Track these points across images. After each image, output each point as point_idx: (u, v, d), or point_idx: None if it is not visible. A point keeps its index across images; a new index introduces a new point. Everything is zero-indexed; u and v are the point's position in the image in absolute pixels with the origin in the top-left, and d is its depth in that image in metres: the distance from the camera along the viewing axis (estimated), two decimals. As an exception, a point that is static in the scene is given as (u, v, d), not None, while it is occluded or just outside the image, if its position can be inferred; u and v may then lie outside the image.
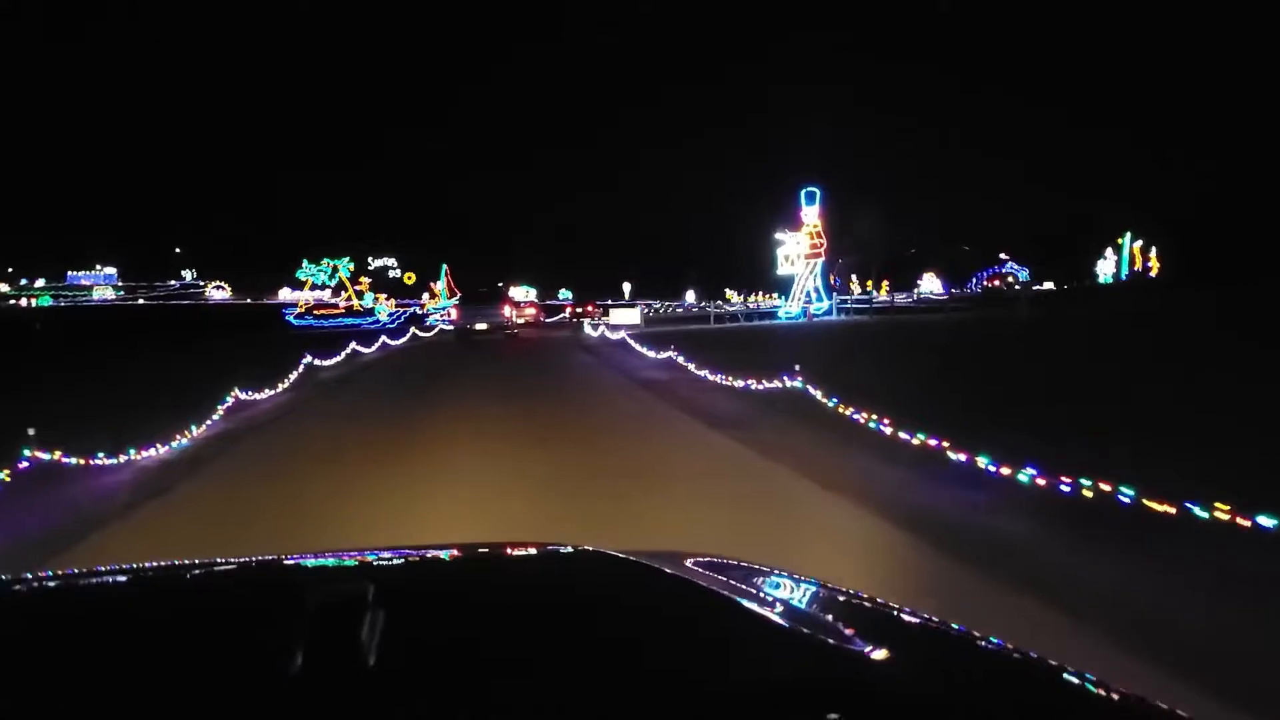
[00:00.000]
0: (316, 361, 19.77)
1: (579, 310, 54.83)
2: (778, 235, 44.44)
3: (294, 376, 16.86)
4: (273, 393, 14.75)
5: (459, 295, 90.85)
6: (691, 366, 14.99)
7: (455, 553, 1.89)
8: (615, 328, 35.98)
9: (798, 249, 43.50)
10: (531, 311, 56.73)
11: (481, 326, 36.34)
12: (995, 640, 1.36)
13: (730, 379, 12.78)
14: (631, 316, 39.06)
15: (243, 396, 12.86)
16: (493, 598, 1.45)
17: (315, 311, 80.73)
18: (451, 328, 48.16)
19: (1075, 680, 1.21)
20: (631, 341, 22.59)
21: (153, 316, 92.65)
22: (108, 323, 66.92)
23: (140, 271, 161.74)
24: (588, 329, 36.95)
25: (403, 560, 1.84)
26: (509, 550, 1.95)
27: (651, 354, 19.18)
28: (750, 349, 21.07)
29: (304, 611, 1.09)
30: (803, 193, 42.96)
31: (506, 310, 42.47)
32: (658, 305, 59.16)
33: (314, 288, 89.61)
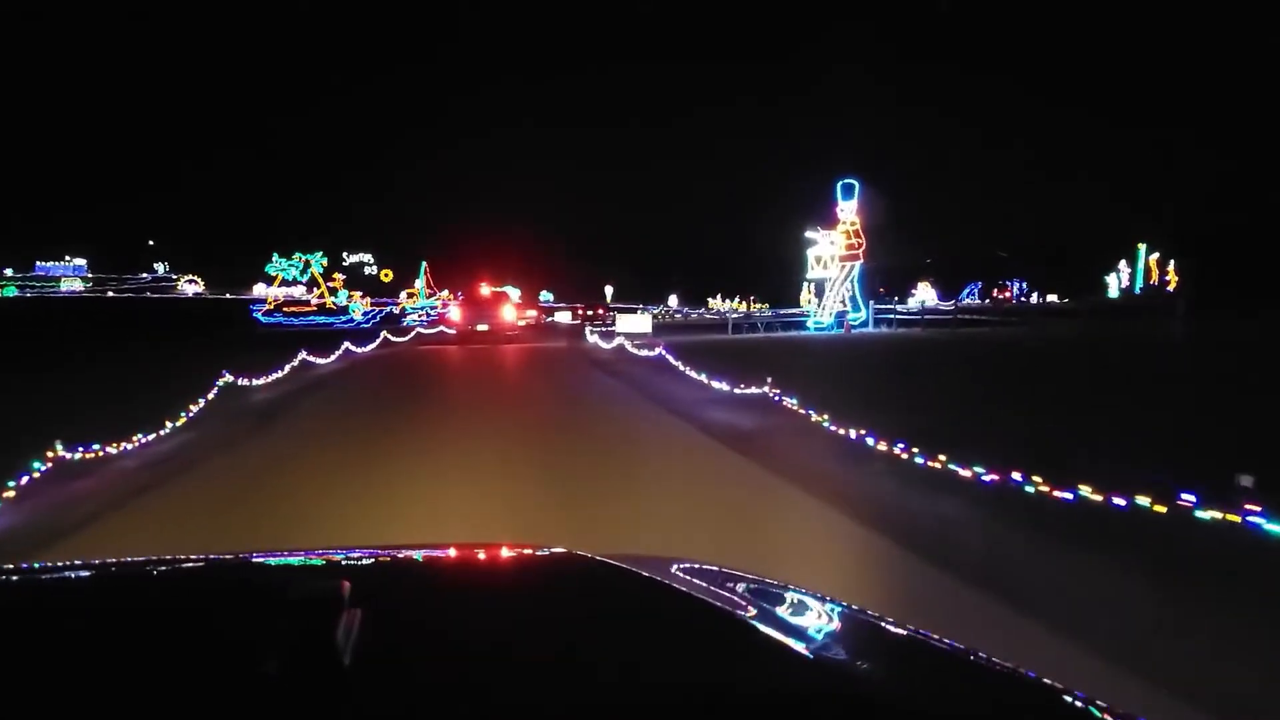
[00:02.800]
0: (242, 382, 14.10)
1: (589, 313, 50.15)
2: (808, 234, 38.76)
3: (203, 403, 11.60)
4: (141, 442, 9.06)
5: (438, 293, 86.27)
6: (825, 421, 9.25)
7: (436, 553, 1.88)
8: (624, 336, 30.55)
9: (832, 249, 37.88)
10: (532, 314, 51.78)
11: (483, 328, 34.13)
12: (988, 657, 1.34)
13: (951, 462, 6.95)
14: (640, 324, 33.41)
15: (70, 457, 7.19)
16: (470, 599, 1.45)
17: (285, 309, 76.84)
18: (430, 330, 42.58)
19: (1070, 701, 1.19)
20: (669, 356, 16.94)
21: (105, 311, 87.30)
22: (40, 318, 61.00)
23: (113, 263, 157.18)
24: (590, 337, 31.31)
25: (382, 559, 1.80)
26: (490, 551, 1.88)
27: (719, 386, 13.46)
28: (857, 379, 15.42)
29: (278, 610, 1.08)
30: (839, 185, 37.34)
31: (505, 313, 38.66)
32: (666, 310, 53.84)
33: (285, 283, 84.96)
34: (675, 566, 1.77)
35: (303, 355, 19.84)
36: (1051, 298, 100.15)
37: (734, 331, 38.16)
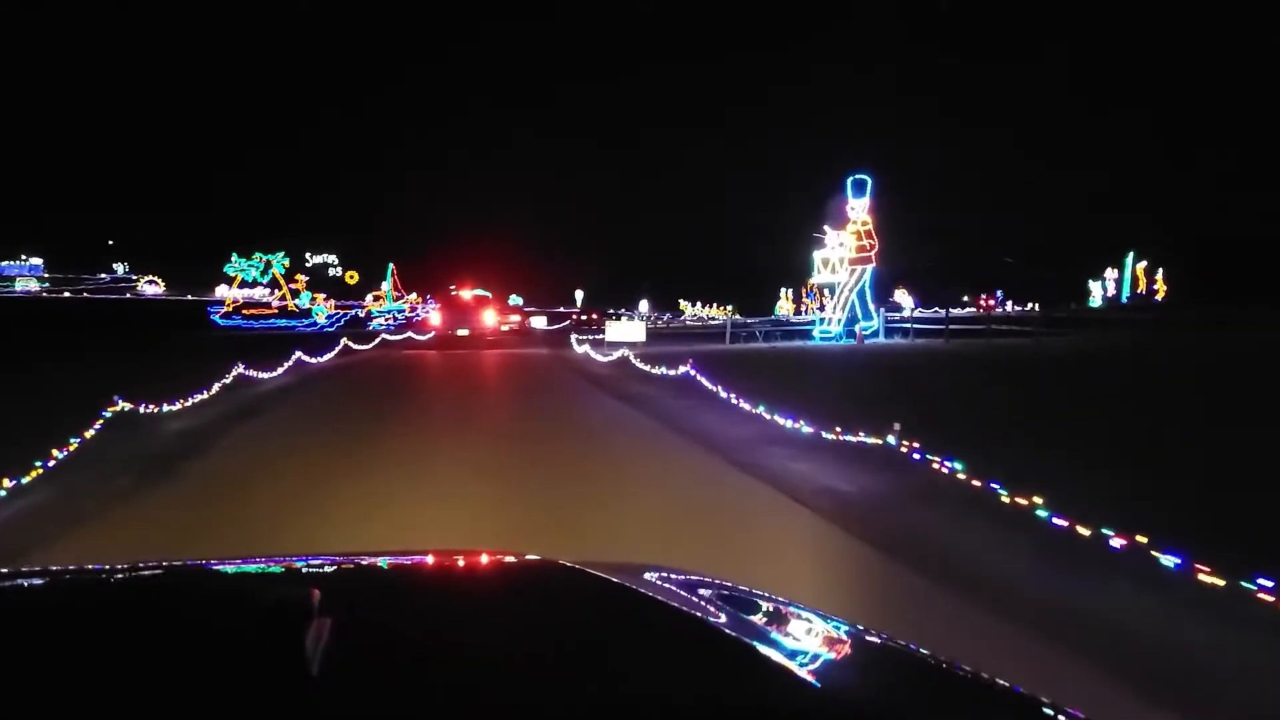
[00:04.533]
0: (148, 410, 10.65)
1: (584, 318, 46.91)
2: (816, 234, 35.43)
3: (75, 444, 8.22)
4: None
5: (406, 296, 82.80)
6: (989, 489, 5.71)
7: (408, 560, 1.86)
8: (616, 345, 27.07)
9: (841, 251, 34.51)
10: (516, 319, 48.11)
11: (463, 333, 33.41)
12: (964, 667, 1.33)
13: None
14: (632, 331, 29.89)
15: None
16: (443, 607, 1.44)
17: (244, 311, 73.96)
18: (397, 336, 38.89)
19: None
20: (698, 376, 13.42)
21: (51, 312, 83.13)
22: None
23: (71, 263, 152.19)
24: (578, 346, 27.73)
25: (353, 567, 1.78)
26: (464, 558, 1.88)
27: (798, 429, 9.92)
28: (973, 414, 11.87)
29: (247, 618, 1.08)
30: (850, 182, 33.94)
31: (486, 317, 36.29)
32: (650, 316, 50.42)
33: (245, 285, 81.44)
34: (650, 574, 1.77)
35: (240, 370, 16.29)
36: (1026, 306, 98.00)
37: (731, 341, 34.71)
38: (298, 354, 21.42)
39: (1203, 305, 40.07)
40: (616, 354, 20.42)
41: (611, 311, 56.10)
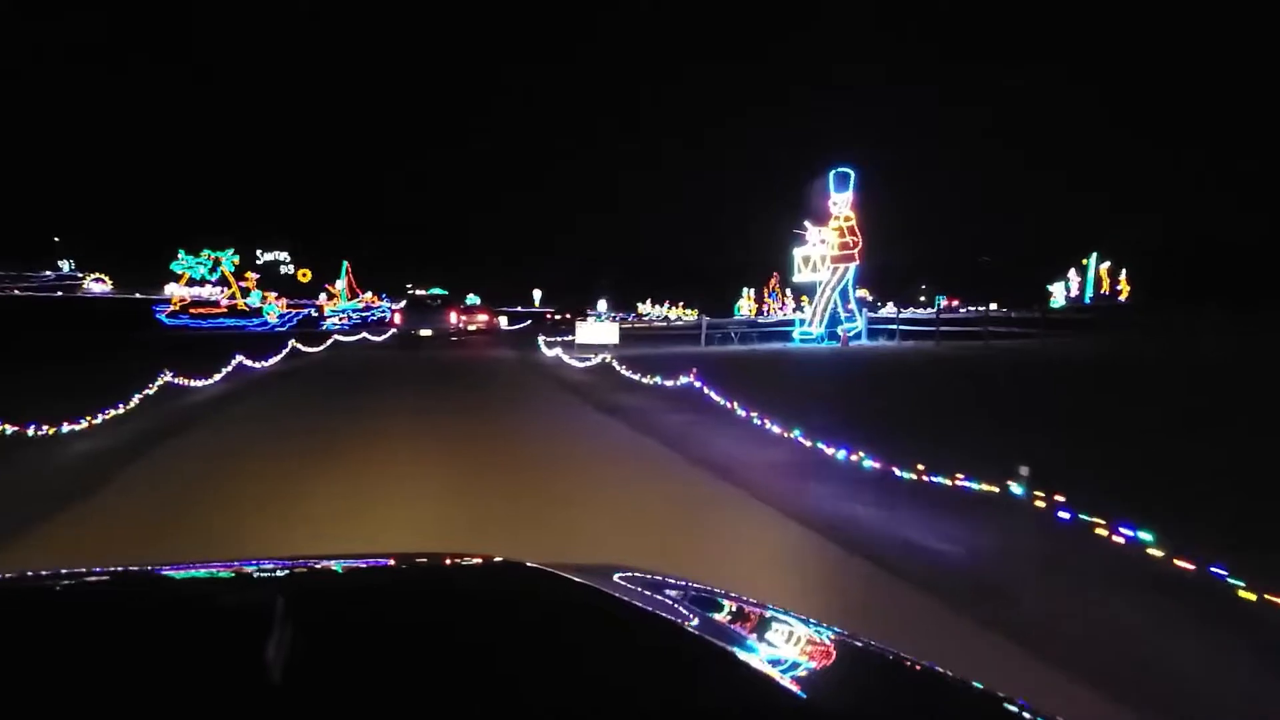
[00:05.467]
0: (40, 430, 8.61)
1: (560, 318, 44.97)
2: (796, 230, 33.65)
3: None
4: None
5: (362, 295, 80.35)
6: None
7: (372, 563, 1.84)
8: (587, 348, 25.19)
9: (823, 249, 32.76)
10: (484, 319, 45.77)
11: (426, 333, 32.53)
12: (936, 668, 1.32)
13: None
14: (604, 333, 27.90)
15: None
16: (408, 610, 1.40)
17: (192, 310, 71.41)
18: (351, 338, 36.62)
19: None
20: (705, 388, 11.49)
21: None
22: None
23: (14, 260, 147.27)
24: (548, 349, 25.70)
25: (317, 570, 1.76)
26: (429, 561, 1.86)
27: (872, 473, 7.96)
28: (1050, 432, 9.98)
29: (207, 623, 1.08)
30: (833, 175, 32.18)
31: (452, 317, 35.23)
32: (619, 317, 48.42)
33: (192, 283, 78.68)
34: (617, 575, 1.75)
35: (167, 377, 14.15)
36: (993, 307, 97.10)
37: (707, 343, 32.83)
38: (239, 358, 19.25)
39: (1189, 307, 38.80)
40: (595, 358, 18.40)
41: (589, 312, 53.93)
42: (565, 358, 21.58)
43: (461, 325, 37.91)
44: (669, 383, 12.77)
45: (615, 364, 16.33)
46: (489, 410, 13.39)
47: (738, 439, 9.43)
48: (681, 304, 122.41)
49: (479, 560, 1.73)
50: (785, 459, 8.22)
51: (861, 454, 7.13)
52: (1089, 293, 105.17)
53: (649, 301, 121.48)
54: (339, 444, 10.00)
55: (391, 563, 1.85)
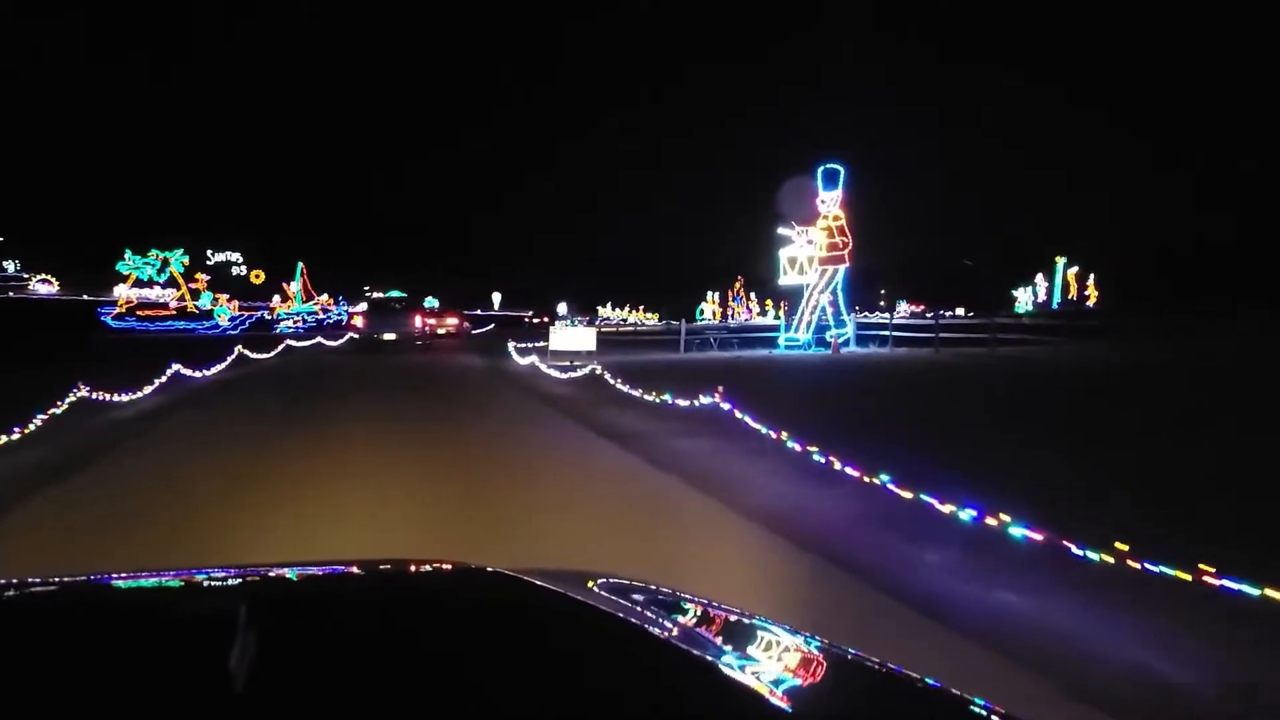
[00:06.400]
0: None
1: (538, 321, 43.08)
2: (782, 230, 31.74)
3: None
4: None
5: (317, 298, 77.77)
6: None
7: (338, 570, 1.82)
8: (562, 355, 23.21)
9: (810, 250, 30.90)
10: (453, 322, 43.29)
11: (390, 337, 31.07)
12: (916, 677, 1.30)
13: None
14: (580, 339, 25.79)
15: None
16: (374, 618, 1.38)
17: (139, 313, 68.97)
18: (305, 343, 34.26)
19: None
20: (738, 412, 9.50)
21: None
22: None
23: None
24: (518, 357, 23.60)
25: (282, 578, 1.70)
26: (394, 567, 1.82)
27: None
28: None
29: (169, 633, 1.06)
30: (821, 172, 30.31)
31: (417, 320, 33.69)
32: (590, 321, 46.36)
33: (139, 284, 75.88)
34: (589, 581, 1.71)
35: (81, 392, 11.96)
36: (959, 311, 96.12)
37: (686, 350, 30.86)
38: (176, 366, 16.97)
39: (1172, 311, 37.66)
40: (578, 368, 16.31)
41: (565, 316, 51.85)
42: (543, 367, 19.47)
43: (428, 329, 35.87)
44: (681, 403, 10.73)
45: (607, 375, 14.27)
46: (468, 438, 11.19)
47: (790, 478, 7.45)
48: (642, 308, 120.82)
49: (447, 566, 1.73)
50: (872, 511, 6.24)
51: (1004, 516, 5.16)
52: (1056, 298, 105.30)
53: (609, 305, 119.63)
54: (275, 494, 7.75)
55: (359, 570, 1.79)
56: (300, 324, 66.00)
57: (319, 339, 37.05)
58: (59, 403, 11.15)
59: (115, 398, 13.38)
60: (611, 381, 13.78)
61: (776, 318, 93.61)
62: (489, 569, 1.62)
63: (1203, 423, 10.31)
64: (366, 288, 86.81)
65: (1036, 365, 20.17)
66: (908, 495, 6.05)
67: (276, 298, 78.35)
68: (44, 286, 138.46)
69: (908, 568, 5.20)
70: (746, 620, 1.62)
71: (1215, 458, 7.98)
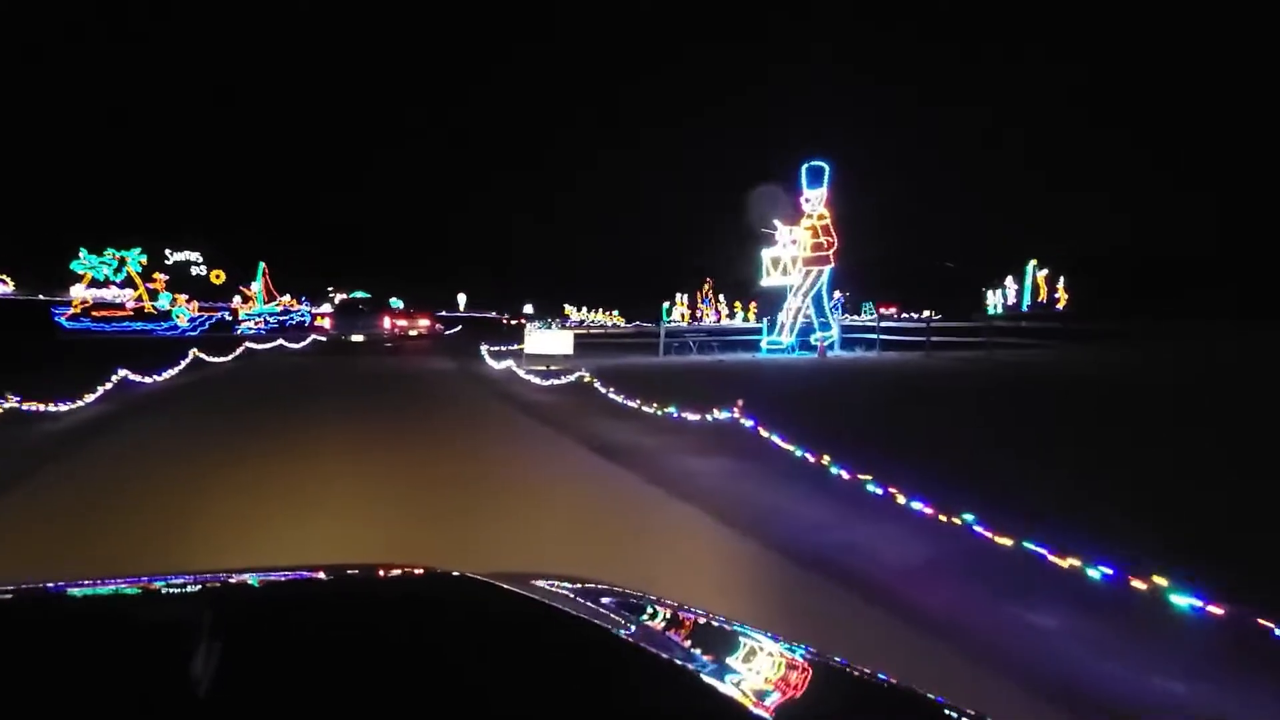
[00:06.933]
0: None
1: (515, 322, 41.96)
2: (765, 229, 30.67)
3: None
4: None
5: (279, 298, 75.94)
6: None
7: (299, 575, 1.78)
8: (536, 359, 22.06)
9: (794, 250, 29.84)
10: (425, 323, 41.72)
11: (358, 339, 30.29)
12: (863, 669, 1.33)
13: None
14: (557, 342, 24.63)
15: None
16: (336, 622, 1.37)
17: (95, 313, 66.88)
18: (266, 346, 32.74)
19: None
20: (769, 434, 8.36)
21: None
22: None
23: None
24: (493, 361, 22.30)
25: (244, 583, 1.69)
26: (356, 572, 1.81)
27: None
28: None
29: (131, 639, 1.05)
30: (805, 170, 29.26)
31: (386, 322, 33.46)
32: (557, 322, 45.02)
33: (95, 284, 73.81)
34: (543, 581, 1.71)
35: (13, 402, 10.67)
36: (927, 313, 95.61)
37: (665, 353, 29.68)
38: (124, 373, 15.57)
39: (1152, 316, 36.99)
40: (566, 374, 15.05)
41: (534, 317, 50.46)
42: (521, 373, 18.20)
43: (398, 331, 34.53)
44: (691, 417, 9.53)
45: (597, 384, 13.04)
46: (450, 463, 9.92)
47: (833, 508, 6.30)
48: (610, 310, 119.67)
49: (419, 571, 1.72)
50: (968, 563, 5.08)
51: (1159, 578, 4.02)
52: (1026, 300, 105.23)
53: (577, 307, 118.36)
54: (218, 543, 6.46)
55: (321, 575, 1.76)
56: (262, 325, 64.23)
57: (280, 341, 35.47)
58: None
59: (50, 407, 12.04)
60: (603, 391, 12.56)
61: (745, 320, 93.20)
62: (455, 573, 1.60)
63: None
64: (330, 288, 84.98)
65: (1056, 372, 19.00)
66: (1005, 541, 4.91)
67: (238, 298, 76.35)
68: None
69: (1033, 643, 4.05)
70: (718, 624, 1.61)
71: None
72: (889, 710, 1.23)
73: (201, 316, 69.36)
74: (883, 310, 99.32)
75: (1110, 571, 4.23)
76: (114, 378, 15.08)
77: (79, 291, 71.19)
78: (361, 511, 6.83)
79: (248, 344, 30.57)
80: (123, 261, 72.40)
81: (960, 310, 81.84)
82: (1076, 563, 4.42)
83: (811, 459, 7.02)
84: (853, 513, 6.16)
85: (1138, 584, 4.07)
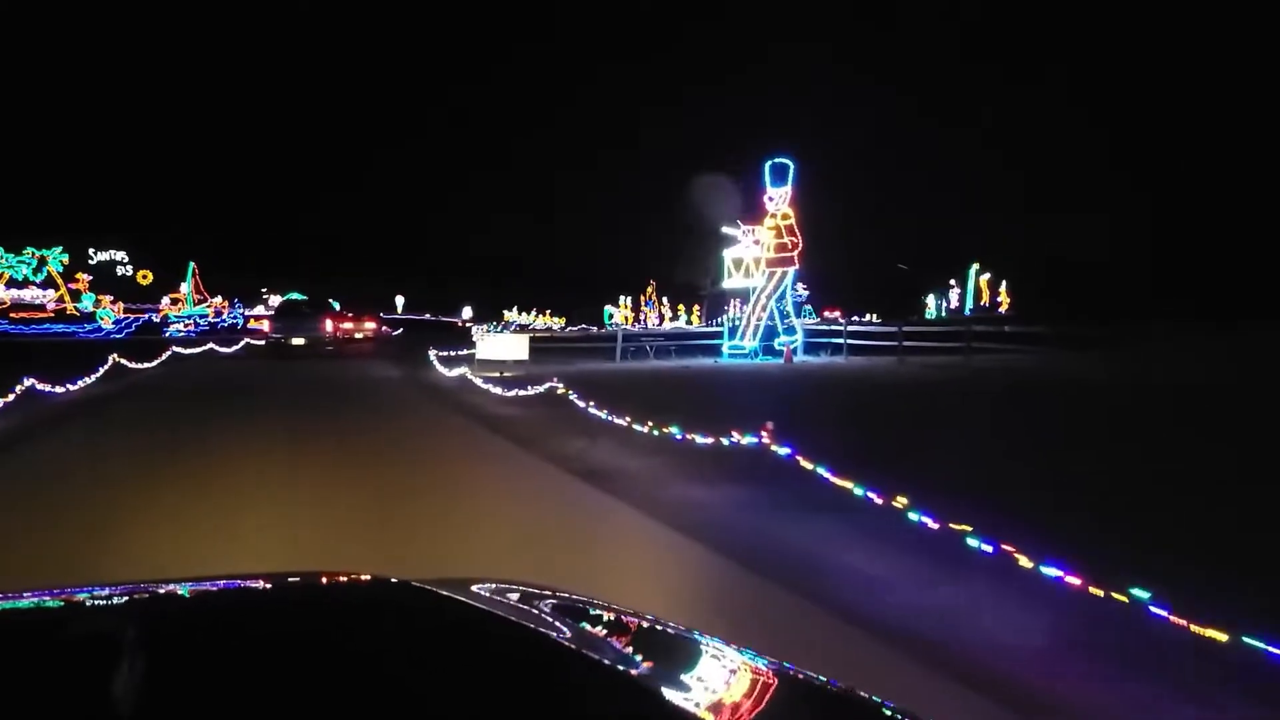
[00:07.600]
0: None
1: (468, 326, 40.21)
2: (727, 229, 29.37)
3: None
4: None
5: (209, 299, 73.35)
6: None
7: (233, 584, 1.69)
8: (490, 365, 20.66)
9: (757, 251, 28.60)
10: (371, 326, 39.72)
11: (299, 342, 28.82)
12: (818, 676, 1.31)
13: None
14: (512, 347, 23.09)
15: None
16: (272, 633, 1.31)
17: (13, 315, 65.13)
18: (195, 350, 30.72)
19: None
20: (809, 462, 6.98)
21: None
22: None
23: None
24: (444, 368, 20.72)
25: (172, 594, 1.58)
26: (292, 580, 1.73)
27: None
28: None
29: (52, 655, 1.01)
30: (769, 167, 28.00)
31: (328, 324, 30.86)
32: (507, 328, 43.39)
33: (13, 284, 71.12)
34: (476, 586, 1.68)
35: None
36: (870, 316, 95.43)
37: (623, 358, 28.29)
38: (31, 381, 13.74)
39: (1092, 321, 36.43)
40: (533, 384, 13.52)
41: (474, 319, 48.70)
42: (477, 381, 16.64)
43: (342, 334, 32.75)
44: (705, 441, 8.09)
45: (573, 396, 11.56)
46: (412, 501, 8.37)
47: (939, 572, 4.94)
48: (549, 312, 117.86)
49: (351, 577, 1.67)
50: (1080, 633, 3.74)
51: None
52: (969, 304, 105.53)
53: (515, 310, 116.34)
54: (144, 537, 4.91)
55: (257, 584, 1.70)
56: (192, 328, 61.74)
57: (211, 344, 33.30)
58: None
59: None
60: (581, 405, 11.08)
61: (689, 322, 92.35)
62: (394, 580, 1.57)
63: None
64: (264, 290, 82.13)
65: (1053, 379, 17.86)
66: (1219, 636, 3.57)
67: (166, 299, 73.53)
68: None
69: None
70: (661, 628, 1.58)
71: None
72: (830, 711, 1.24)
73: (127, 318, 66.91)
74: (826, 314, 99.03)
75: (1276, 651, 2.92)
76: (19, 387, 13.27)
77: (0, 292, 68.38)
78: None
79: (175, 348, 28.50)
80: (43, 261, 70.11)
81: (900, 313, 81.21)
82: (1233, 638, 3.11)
83: (879, 500, 5.65)
84: (960, 574, 4.80)
85: None
